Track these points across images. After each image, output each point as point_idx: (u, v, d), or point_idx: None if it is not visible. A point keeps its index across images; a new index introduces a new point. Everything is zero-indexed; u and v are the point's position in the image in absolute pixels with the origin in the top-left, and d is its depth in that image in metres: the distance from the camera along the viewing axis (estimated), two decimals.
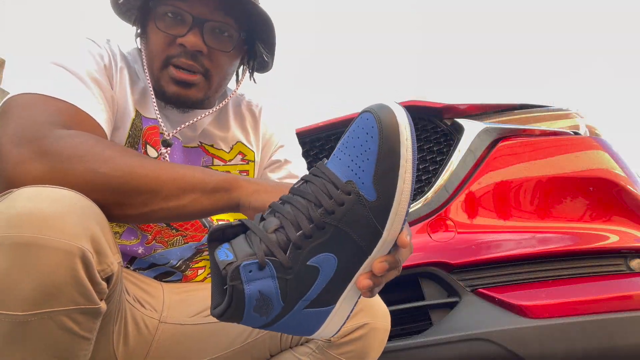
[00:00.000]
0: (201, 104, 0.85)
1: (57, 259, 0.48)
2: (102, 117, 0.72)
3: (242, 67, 0.94)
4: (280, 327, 0.54)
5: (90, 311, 0.53)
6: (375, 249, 0.52)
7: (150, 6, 0.81)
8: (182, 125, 0.84)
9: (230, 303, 0.50)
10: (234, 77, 0.92)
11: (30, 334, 0.49)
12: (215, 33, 0.80)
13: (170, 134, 0.83)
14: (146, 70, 0.83)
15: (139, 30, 0.86)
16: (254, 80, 0.96)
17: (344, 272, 0.53)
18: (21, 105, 0.64)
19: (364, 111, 0.52)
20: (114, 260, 0.56)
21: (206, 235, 0.89)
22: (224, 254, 0.52)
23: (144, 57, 0.82)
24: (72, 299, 0.50)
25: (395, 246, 0.53)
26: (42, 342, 0.50)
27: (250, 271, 0.50)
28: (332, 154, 0.55)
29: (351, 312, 0.56)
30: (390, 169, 0.50)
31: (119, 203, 0.59)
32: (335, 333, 0.57)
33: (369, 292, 0.54)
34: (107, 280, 0.56)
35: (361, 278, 0.52)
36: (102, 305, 0.55)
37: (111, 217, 0.60)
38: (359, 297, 0.56)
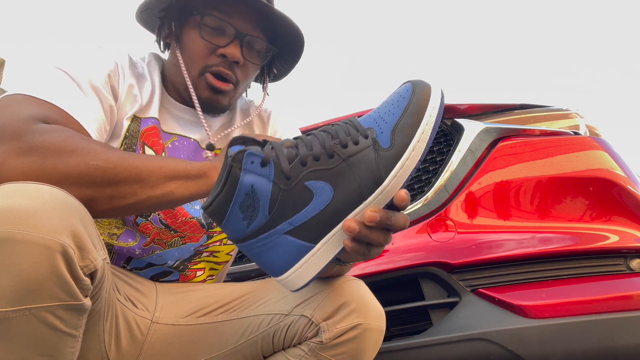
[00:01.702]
0: (224, 110, 0.91)
1: (37, 254, 0.48)
2: (93, 127, 0.72)
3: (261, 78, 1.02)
4: (255, 248, 0.53)
5: (73, 307, 0.52)
6: (373, 196, 0.53)
7: (188, 16, 0.86)
8: (224, 132, 0.92)
9: (223, 187, 0.51)
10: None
11: (13, 331, 0.48)
12: (251, 47, 0.88)
13: (215, 139, 0.91)
14: (148, 73, 0.88)
15: (165, 37, 0.91)
16: (267, 92, 1.03)
17: (335, 210, 0.53)
18: (10, 103, 0.65)
19: (405, 82, 0.56)
20: (98, 257, 0.55)
21: (204, 236, 0.89)
22: (237, 149, 0.54)
23: (181, 61, 0.86)
24: (54, 295, 0.50)
25: (392, 208, 0.54)
26: (25, 338, 0.49)
27: (252, 162, 0.52)
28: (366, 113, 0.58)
29: (323, 269, 0.55)
30: (410, 126, 0.53)
31: (109, 195, 0.60)
32: (302, 286, 0.55)
33: (350, 244, 0.53)
34: (91, 276, 0.55)
35: (348, 220, 0.52)
36: (87, 301, 0.54)
37: (101, 211, 0.60)
38: (338, 252, 0.54)
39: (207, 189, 0.66)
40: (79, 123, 0.69)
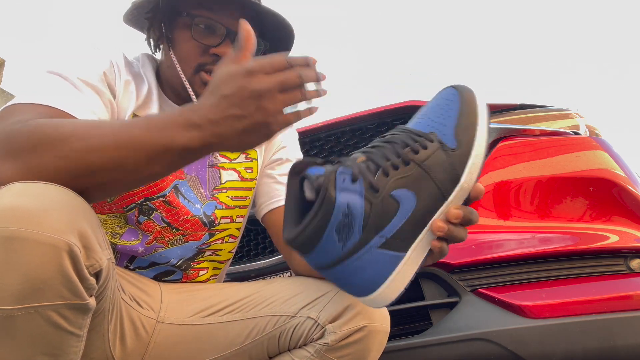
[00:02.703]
0: None
1: (43, 253, 0.48)
2: (89, 119, 0.72)
3: None
4: (346, 270, 0.53)
5: (78, 307, 0.53)
6: (453, 194, 0.55)
7: (179, 16, 0.85)
8: None
9: (317, 212, 0.50)
10: None
11: (18, 329, 0.49)
12: None
13: None
14: (143, 73, 0.87)
15: (156, 38, 0.91)
16: None
17: (421, 214, 0.54)
18: (4, 114, 0.65)
19: (444, 88, 0.60)
20: (103, 256, 0.55)
21: (206, 234, 0.89)
22: (315, 171, 0.53)
23: (175, 61, 0.86)
24: (59, 294, 0.50)
25: (468, 202, 0.57)
26: (29, 336, 0.49)
27: (344, 180, 0.51)
28: (409, 122, 0.60)
29: (413, 277, 0.56)
30: (469, 125, 0.56)
31: (92, 184, 0.56)
32: (394, 299, 0.55)
33: (438, 244, 0.55)
34: (97, 275, 0.55)
35: (437, 221, 0.55)
36: (91, 301, 0.54)
37: (95, 198, 0.58)
38: (425, 256, 0.56)
39: (206, 154, 0.59)
40: (74, 117, 0.69)
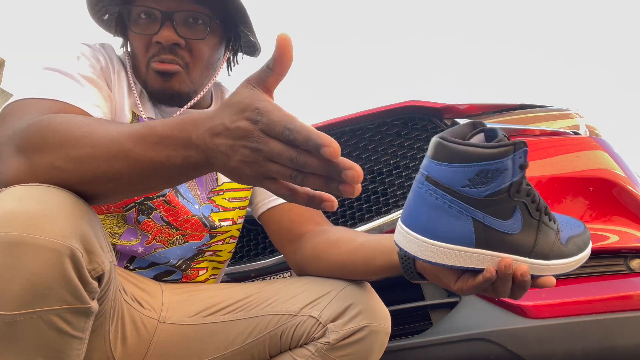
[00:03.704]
0: (188, 98, 0.85)
1: (46, 258, 0.48)
2: (95, 112, 0.72)
3: (229, 54, 0.93)
4: (447, 205, 0.56)
5: (81, 310, 0.53)
6: (535, 260, 0.60)
7: (123, 12, 0.82)
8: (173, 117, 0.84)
9: (498, 147, 0.55)
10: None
11: (20, 334, 0.49)
12: (189, 23, 0.81)
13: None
14: (130, 74, 0.85)
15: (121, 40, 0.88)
16: (235, 62, 0.95)
17: (510, 241, 0.59)
18: (13, 111, 0.65)
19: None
20: (105, 259, 0.55)
21: (207, 235, 0.89)
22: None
23: (128, 63, 0.83)
24: (62, 299, 0.50)
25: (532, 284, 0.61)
26: (32, 341, 0.49)
27: (520, 157, 0.57)
28: None
29: (452, 266, 0.58)
30: (581, 245, 0.67)
31: (90, 192, 0.56)
32: (428, 260, 0.57)
33: (487, 275, 0.57)
34: (99, 279, 0.55)
35: (507, 259, 0.58)
36: (94, 304, 0.54)
37: (92, 202, 0.58)
38: (472, 268, 0.59)
39: (203, 174, 0.56)
40: (82, 110, 0.69)
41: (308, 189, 0.51)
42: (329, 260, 0.80)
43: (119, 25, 0.86)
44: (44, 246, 0.48)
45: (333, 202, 0.50)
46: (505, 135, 0.57)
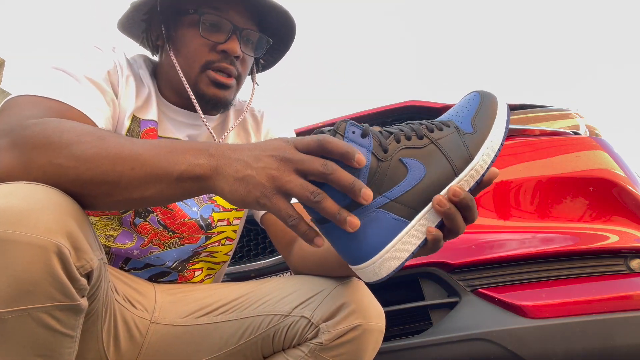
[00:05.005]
0: (227, 107, 0.92)
1: (31, 255, 0.47)
2: (97, 116, 0.72)
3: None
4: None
5: (70, 307, 0.52)
6: (464, 173, 0.56)
7: (183, 15, 0.86)
8: (229, 130, 0.92)
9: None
10: None
11: (9, 332, 0.48)
12: (247, 40, 0.88)
13: (220, 140, 0.90)
14: (141, 75, 0.87)
15: (155, 39, 0.90)
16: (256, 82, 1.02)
17: (429, 187, 0.55)
18: (14, 105, 0.65)
19: (469, 92, 0.63)
20: (94, 257, 0.55)
21: (203, 237, 0.89)
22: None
23: (175, 62, 0.86)
24: (50, 296, 0.49)
25: (480, 187, 0.58)
26: (22, 339, 0.49)
27: (353, 132, 0.54)
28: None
29: (412, 253, 0.54)
30: (489, 115, 0.59)
31: (80, 194, 0.55)
32: (391, 272, 0.53)
33: (434, 233, 0.54)
34: (88, 276, 0.55)
35: (439, 196, 0.55)
36: (83, 302, 0.54)
37: (85, 207, 0.57)
38: (421, 244, 0.55)
39: (197, 191, 0.56)
40: (82, 113, 0.69)
41: (309, 220, 0.55)
42: (314, 261, 0.81)
43: (167, 24, 0.88)
44: (29, 243, 0.47)
45: (324, 241, 0.54)
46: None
